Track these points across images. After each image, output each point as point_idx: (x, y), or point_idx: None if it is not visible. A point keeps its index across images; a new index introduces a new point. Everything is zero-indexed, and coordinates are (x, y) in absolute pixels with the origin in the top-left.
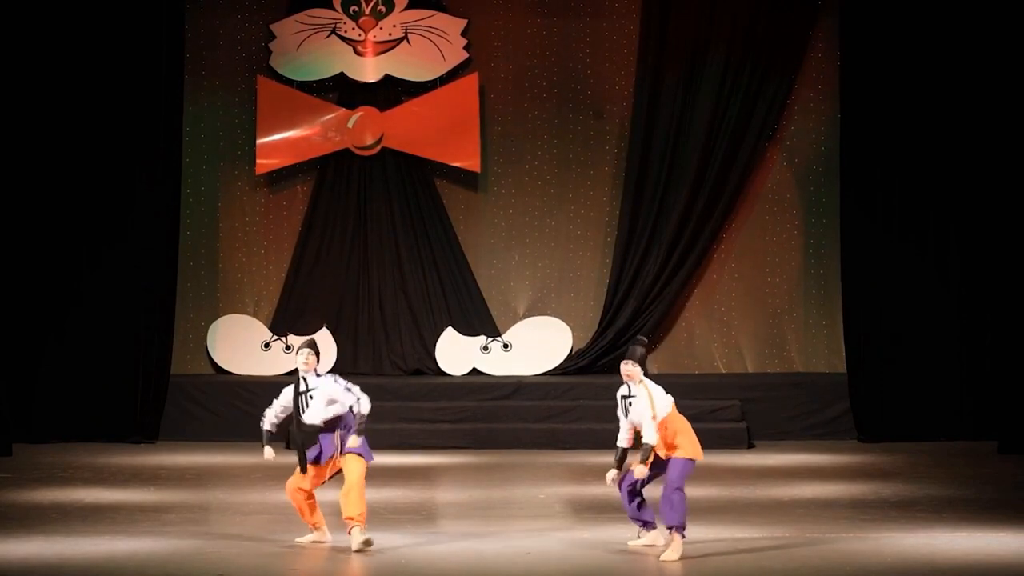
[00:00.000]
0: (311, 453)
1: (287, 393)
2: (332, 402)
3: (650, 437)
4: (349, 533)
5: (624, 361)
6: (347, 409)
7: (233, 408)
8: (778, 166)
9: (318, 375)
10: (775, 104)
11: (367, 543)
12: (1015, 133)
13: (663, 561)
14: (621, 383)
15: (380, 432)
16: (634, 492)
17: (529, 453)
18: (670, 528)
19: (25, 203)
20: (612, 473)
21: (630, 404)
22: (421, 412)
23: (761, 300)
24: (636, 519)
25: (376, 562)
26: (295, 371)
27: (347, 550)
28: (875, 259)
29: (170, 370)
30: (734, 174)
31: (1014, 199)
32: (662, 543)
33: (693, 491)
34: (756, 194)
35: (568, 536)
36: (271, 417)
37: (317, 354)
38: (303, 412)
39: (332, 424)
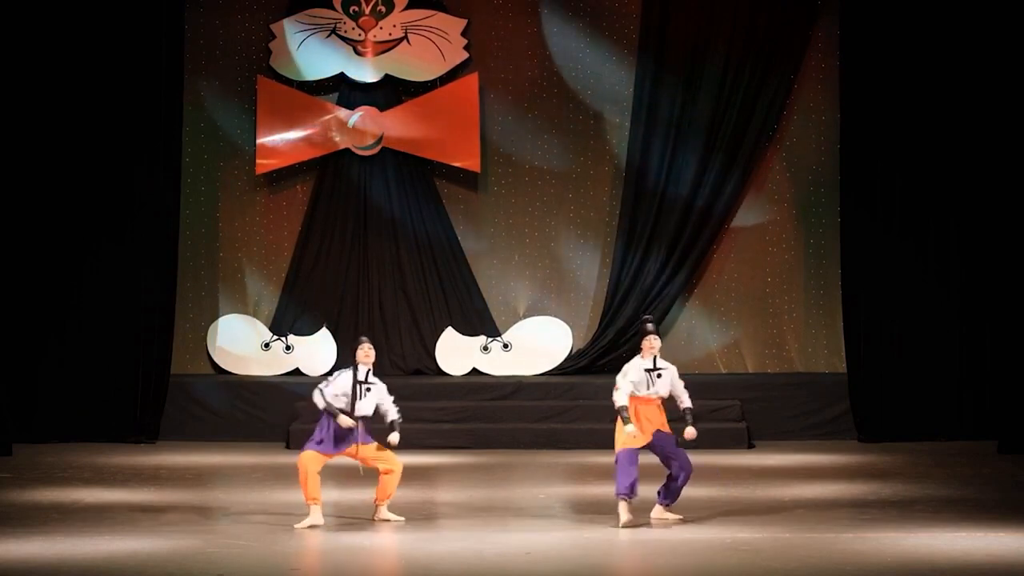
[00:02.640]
0: (330, 444)
1: (344, 378)
2: (379, 403)
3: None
4: (377, 507)
5: (654, 336)
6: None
7: (233, 408)
8: (778, 166)
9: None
10: (775, 104)
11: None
12: (1015, 133)
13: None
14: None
15: (381, 432)
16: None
17: (529, 453)
18: (669, 504)
19: (25, 204)
20: (633, 427)
21: (659, 375)
22: (421, 412)
23: (761, 300)
24: (629, 492)
25: (377, 562)
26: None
27: (346, 547)
28: (875, 259)
29: (170, 370)
30: (734, 174)
31: (1014, 199)
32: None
33: (693, 491)
34: (756, 194)
35: (568, 536)
36: (329, 396)
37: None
38: (359, 400)
39: (369, 419)
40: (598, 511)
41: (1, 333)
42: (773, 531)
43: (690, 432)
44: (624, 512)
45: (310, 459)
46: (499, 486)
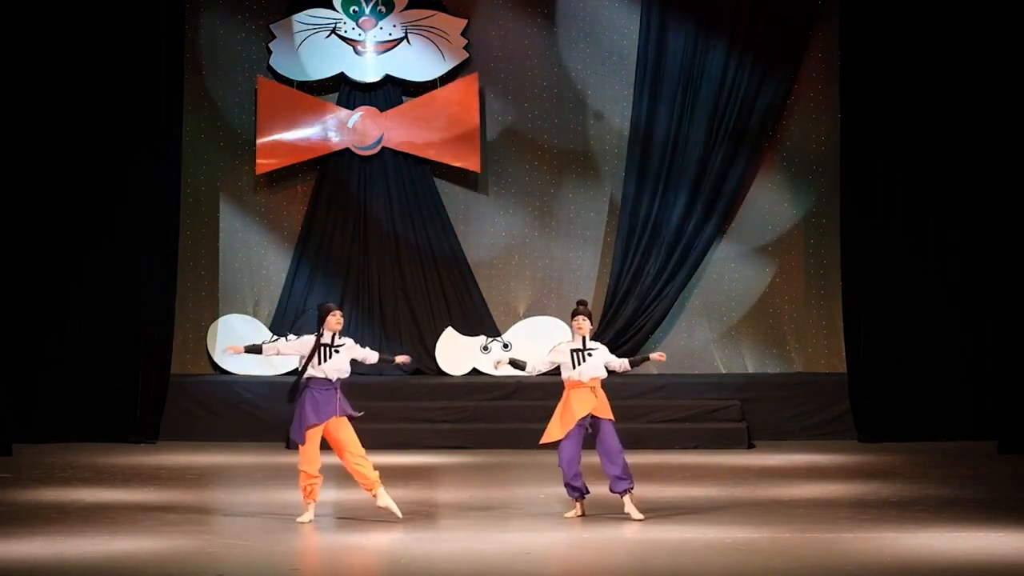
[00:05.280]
0: (316, 411)
1: (307, 339)
2: (354, 360)
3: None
4: (375, 495)
5: (583, 316)
6: (355, 362)
7: (233, 408)
8: (778, 166)
9: (341, 336)
10: (775, 104)
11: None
12: (1015, 133)
13: (636, 520)
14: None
15: (380, 432)
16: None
17: (529, 453)
18: (627, 491)
19: (25, 203)
20: (501, 356)
21: (589, 355)
22: (421, 412)
23: (761, 300)
24: (577, 488)
25: (376, 562)
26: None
27: (346, 547)
28: (875, 259)
29: (170, 370)
30: (734, 174)
31: (1014, 200)
32: (580, 513)
33: (693, 490)
34: (756, 194)
35: (568, 536)
36: (272, 343)
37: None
38: (322, 362)
39: (338, 383)
40: (598, 511)
41: (1, 333)
42: (773, 531)
43: (657, 355)
44: (575, 509)
45: (310, 469)
46: (499, 486)
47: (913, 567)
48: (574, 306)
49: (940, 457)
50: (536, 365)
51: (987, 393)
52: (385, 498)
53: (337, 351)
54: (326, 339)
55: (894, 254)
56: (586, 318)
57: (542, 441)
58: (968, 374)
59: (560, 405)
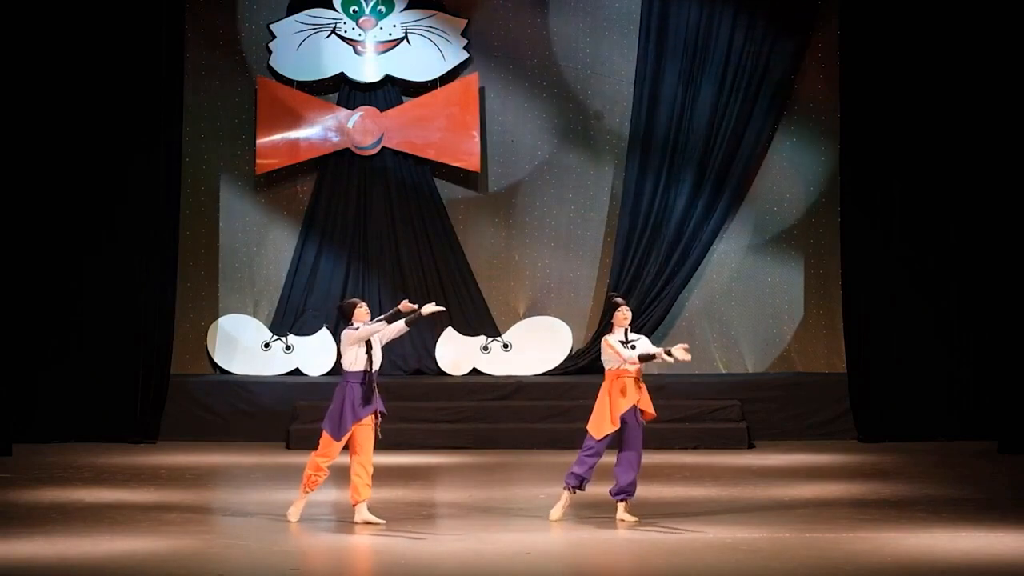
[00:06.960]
0: (359, 410)
1: (362, 328)
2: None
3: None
4: (355, 508)
5: (627, 307)
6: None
7: (233, 408)
8: (778, 166)
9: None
10: (775, 104)
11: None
12: (1015, 133)
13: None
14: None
15: (380, 432)
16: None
17: (529, 453)
18: (626, 500)
19: (25, 203)
20: (680, 352)
21: (633, 347)
22: (421, 412)
23: (761, 300)
24: (581, 477)
25: (376, 562)
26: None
27: (346, 547)
28: (875, 259)
29: (170, 370)
30: (734, 174)
31: (1014, 199)
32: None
33: (693, 490)
34: (755, 194)
35: (568, 536)
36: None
37: None
38: (373, 350)
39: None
40: (598, 511)
41: (1, 333)
42: (773, 531)
43: (681, 349)
44: (562, 501)
45: (322, 461)
46: (499, 486)
47: (913, 567)
48: (610, 301)
49: (940, 457)
50: (641, 352)
51: (987, 393)
52: (364, 514)
53: (371, 343)
54: None
55: (894, 253)
56: (628, 308)
57: (599, 436)
58: (968, 374)
59: (605, 397)
